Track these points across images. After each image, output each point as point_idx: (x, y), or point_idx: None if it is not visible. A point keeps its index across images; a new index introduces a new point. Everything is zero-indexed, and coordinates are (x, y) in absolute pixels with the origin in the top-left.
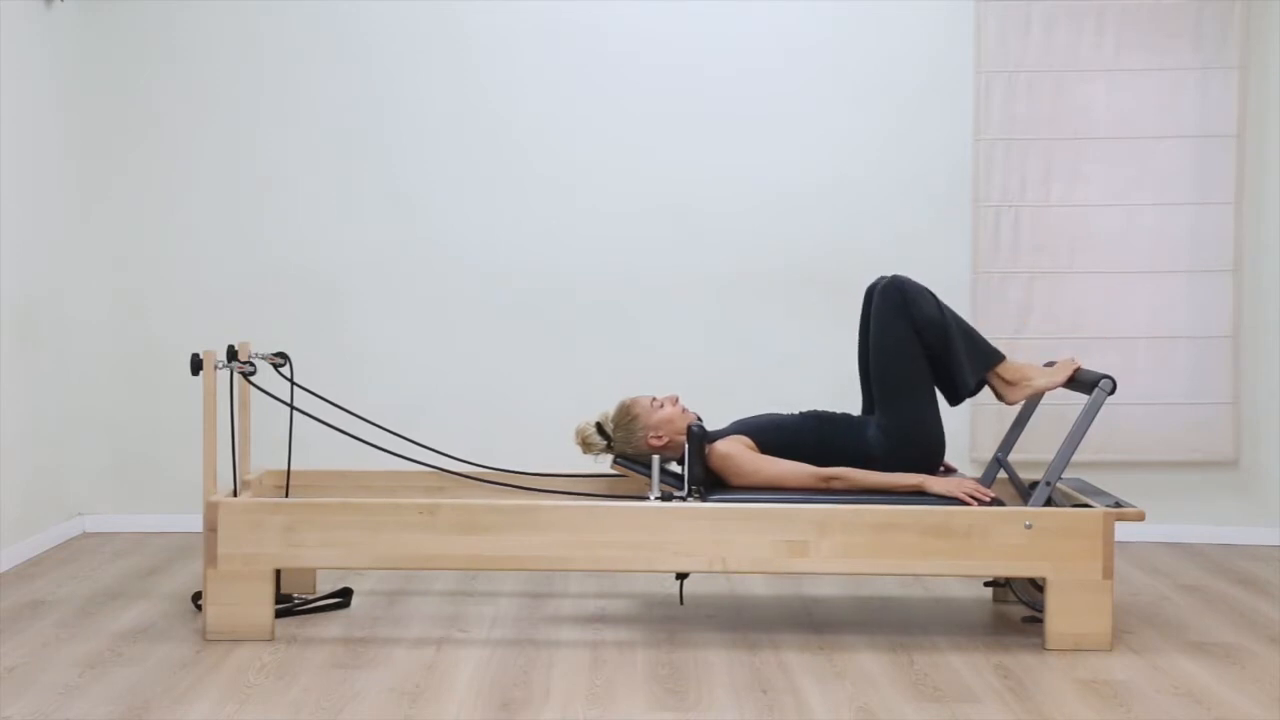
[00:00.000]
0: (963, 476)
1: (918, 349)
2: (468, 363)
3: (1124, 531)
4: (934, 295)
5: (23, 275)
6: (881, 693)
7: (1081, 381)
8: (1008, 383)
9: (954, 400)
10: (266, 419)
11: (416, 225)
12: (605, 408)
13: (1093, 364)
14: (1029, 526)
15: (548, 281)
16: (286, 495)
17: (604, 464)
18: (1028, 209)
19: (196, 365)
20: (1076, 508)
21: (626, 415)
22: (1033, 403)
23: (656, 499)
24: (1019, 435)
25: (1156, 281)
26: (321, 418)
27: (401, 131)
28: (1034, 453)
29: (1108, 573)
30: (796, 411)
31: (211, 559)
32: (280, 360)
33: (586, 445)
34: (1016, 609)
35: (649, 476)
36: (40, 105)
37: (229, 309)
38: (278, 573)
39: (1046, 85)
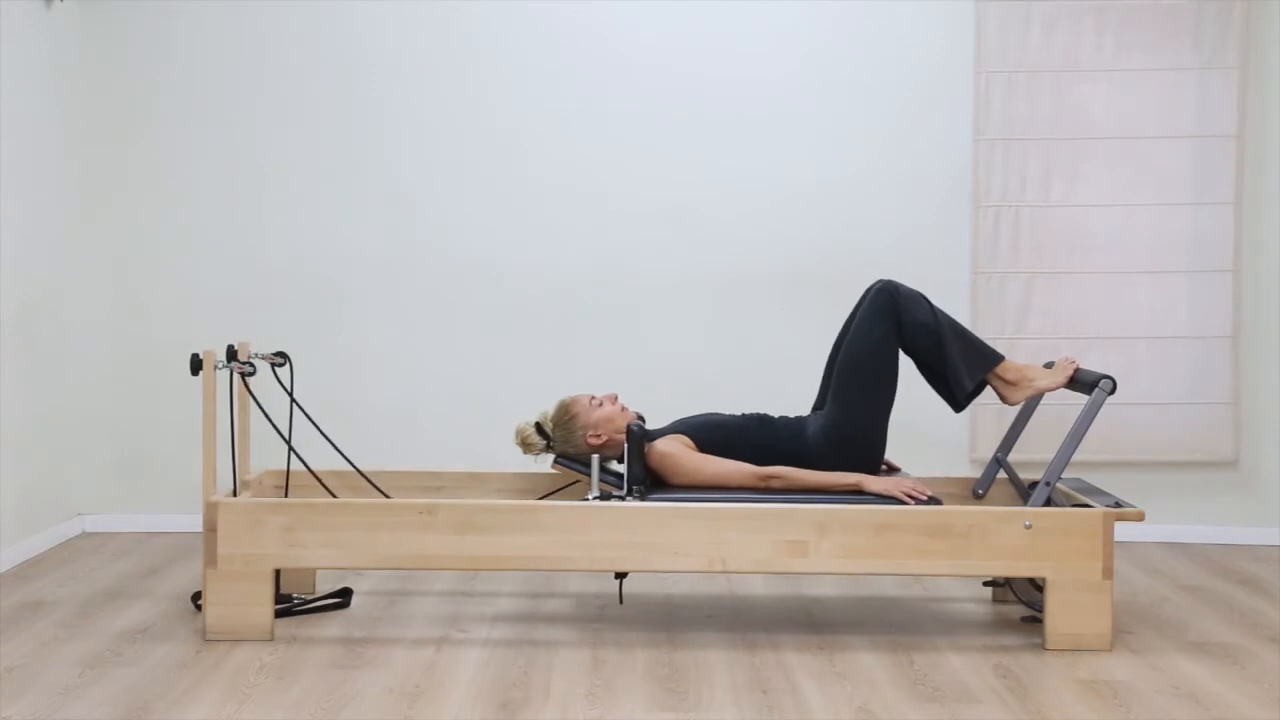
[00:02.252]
0: (904, 475)
1: (892, 356)
2: (467, 362)
3: (1124, 531)
4: (928, 300)
5: (23, 275)
6: (881, 693)
7: (1081, 382)
8: (1009, 383)
9: (956, 406)
10: (267, 420)
11: (416, 225)
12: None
13: (1093, 364)
14: (1029, 526)
15: (548, 282)
16: (286, 495)
17: (545, 463)
18: (1027, 209)
19: (196, 365)
20: (1076, 508)
21: (565, 414)
22: (1032, 403)
23: (595, 498)
24: (1019, 435)
25: (1156, 281)
26: (275, 421)
27: (401, 131)
28: (1034, 453)
29: (1107, 573)
30: (739, 413)
31: (211, 559)
32: (280, 360)
33: (526, 445)
34: (1016, 609)
35: (589, 476)
36: (40, 105)
37: (229, 309)
38: (277, 573)
39: (1046, 85)
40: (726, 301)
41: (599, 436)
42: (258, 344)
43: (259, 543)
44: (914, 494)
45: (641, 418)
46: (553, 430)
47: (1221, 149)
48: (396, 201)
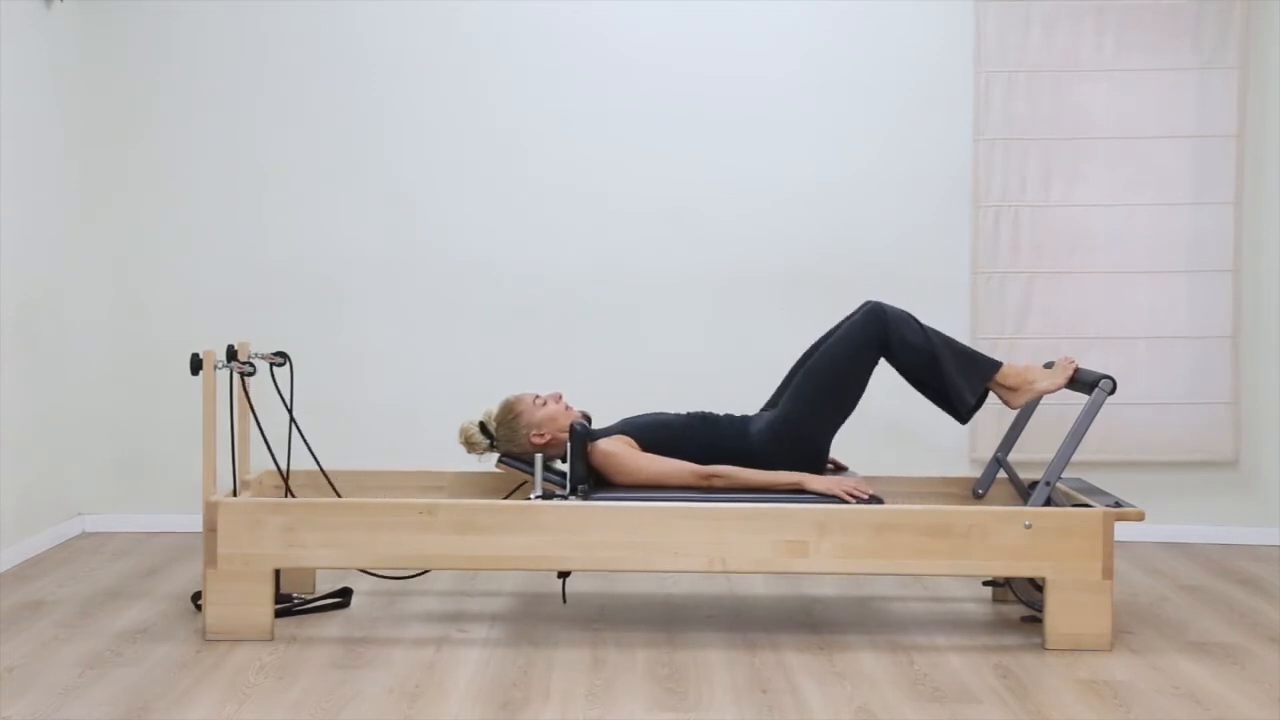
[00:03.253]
0: (850, 474)
1: (863, 373)
2: (467, 362)
3: (1124, 531)
4: (916, 320)
5: (23, 275)
6: (881, 693)
7: (1081, 381)
8: (1010, 389)
9: (961, 419)
10: (266, 419)
11: (416, 225)
12: (605, 407)
13: (1093, 364)
14: (1029, 526)
15: (548, 282)
16: (286, 495)
17: (489, 463)
18: (1027, 209)
19: (196, 365)
20: (1076, 508)
21: (509, 413)
22: (1032, 403)
23: (538, 498)
24: (1019, 435)
25: (1156, 281)
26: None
27: (401, 131)
28: (1034, 453)
29: (1107, 573)
30: (684, 411)
31: (211, 559)
32: (280, 360)
33: (470, 444)
34: (1016, 609)
35: (532, 475)
36: (40, 105)
37: (229, 309)
38: (277, 572)
39: (1046, 85)
40: (726, 301)
41: (542, 436)
42: (258, 344)
43: (259, 543)
44: (855, 493)
45: (587, 416)
46: (496, 429)
47: (1221, 149)
48: (396, 201)
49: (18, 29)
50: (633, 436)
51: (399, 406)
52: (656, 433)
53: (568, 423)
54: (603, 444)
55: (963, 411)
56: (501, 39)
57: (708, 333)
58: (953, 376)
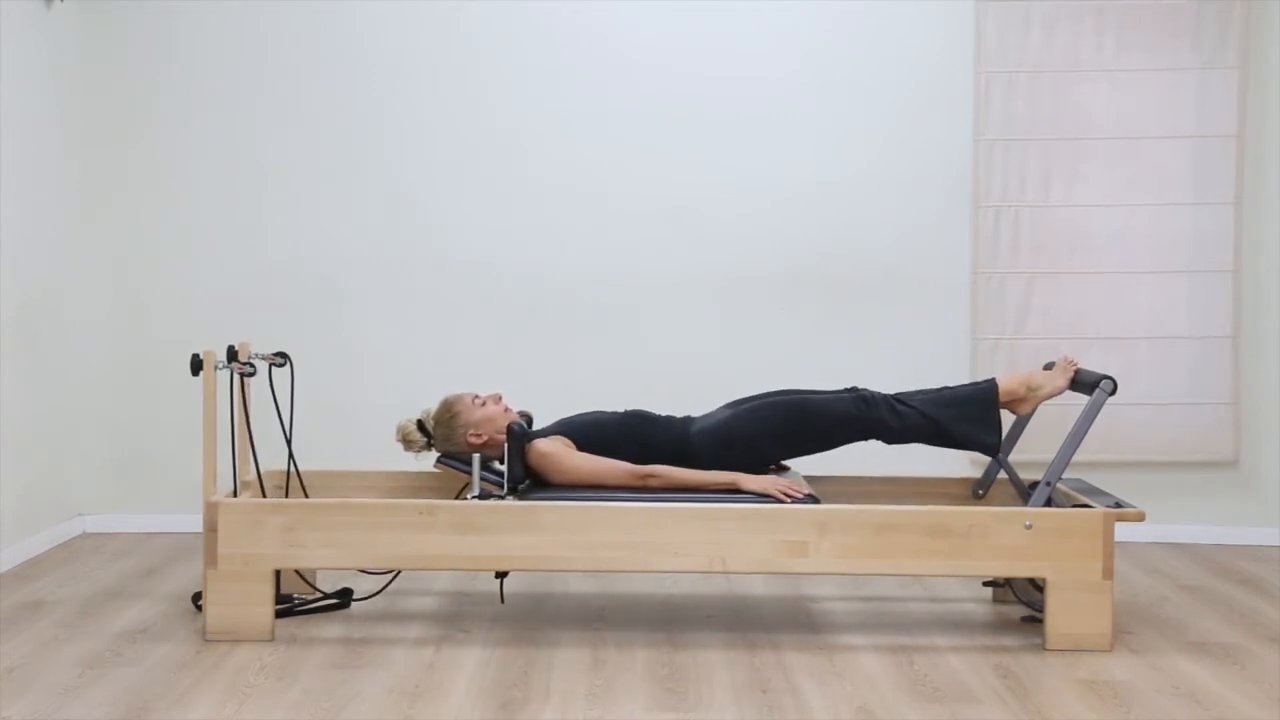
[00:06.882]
0: (793, 475)
1: (828, 446)
2: (467, 362)
3: (1124, 531)
4: (896, 399)
5: (23, 275)
6: (881, 693)
7: (1082, 382)
8: (1016, 400)
9: (992, 454)
10: (266, 419)
11: (416, 225)
12: (605, 407)
13: (1093, 364)
14: (1029, 526)
15: (548, 282)
16: (287, 495)
17: (427, 461)
18: (1028, 209)
19: (196, 365)
20: (1076, 508)
21: (448, 413)
22: None
23: (475, 498)
24: (1019, 435)
25: (1156, 281)
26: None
27: (401, 131)
28: (1034, 453)
29: (1108, 573)
30: (621, 410)
31: (211, 559)
32: (280, 360)
33: (408, 443)
34: (1016, 609)
35: (470, 474)
36: (40, 105)
37: (229, 309)
38: (278, 573)
39: (1046, 85)
40: (726, 302)
41: (480, 436)
42: (258, 344)
43: (259, 543)
44: (790, 492)
45: (528, 417)
46: (434, 428)
47: (1221, 149)
48: (396, 201)
49: (18, 29)
50: (570, 436)
51: (399, 406)
52: (592, 432)
53: (505, 424)
54: (539, 444)
55: (989, 450)
56: (501, 39)
57: (708, 333)
58: (963, 428)
